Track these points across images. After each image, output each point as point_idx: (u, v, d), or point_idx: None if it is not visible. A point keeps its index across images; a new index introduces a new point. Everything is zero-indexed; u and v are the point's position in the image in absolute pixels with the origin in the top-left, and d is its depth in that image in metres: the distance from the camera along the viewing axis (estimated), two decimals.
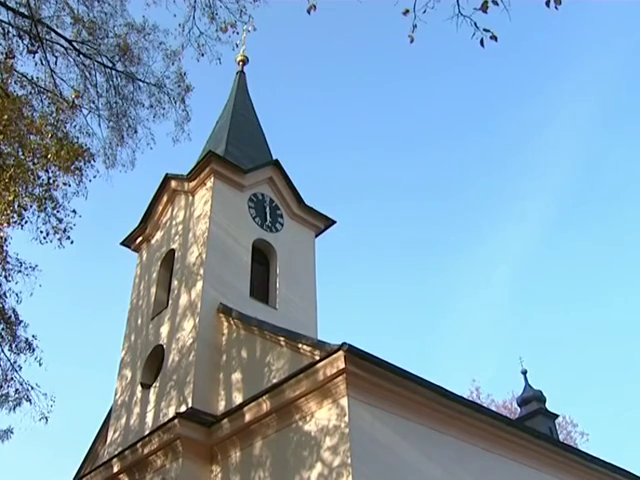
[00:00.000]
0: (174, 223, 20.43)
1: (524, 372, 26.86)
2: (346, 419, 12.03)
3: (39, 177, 13.61)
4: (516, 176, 68.44)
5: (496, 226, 67.39)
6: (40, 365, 15.78)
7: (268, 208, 20.35)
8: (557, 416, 26.56)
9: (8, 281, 15.46)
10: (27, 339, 16.04)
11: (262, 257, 19.67)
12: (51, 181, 13.81)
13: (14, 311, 15.87)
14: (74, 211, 14.46)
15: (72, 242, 14.52)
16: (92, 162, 14.50)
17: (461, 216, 69.30)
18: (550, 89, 66.38)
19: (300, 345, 13.90)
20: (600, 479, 16.94)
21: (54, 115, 14.03)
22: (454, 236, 68.42)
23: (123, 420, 17.97)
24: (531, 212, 63.61)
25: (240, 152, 21.89)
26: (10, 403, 16.07)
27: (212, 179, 19.49)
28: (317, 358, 12.83)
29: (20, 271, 15.97)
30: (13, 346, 15.91)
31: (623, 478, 17.47)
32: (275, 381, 13.97)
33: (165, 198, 21.13)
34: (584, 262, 65.78)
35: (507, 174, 69.43)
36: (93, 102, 15.50)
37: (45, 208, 14.03)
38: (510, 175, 69.73)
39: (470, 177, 69.85)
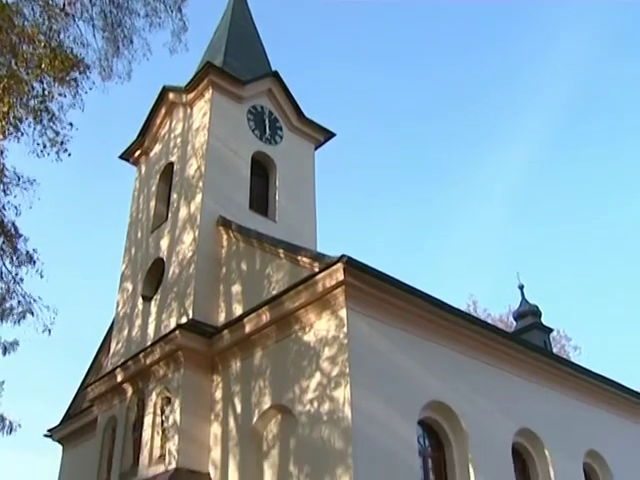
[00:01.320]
0: (172, 136, 20.21)
1: (521, 287, 27.12)
2: (345, 330, 12.22)
3: (33, 88, 13.31)
4: (518, 93, 67.44)
5: (496, 144, 66.83)
6: (41, 277, 15.83)
7: (267, 120, 20.07)
8: (552, 330, 27.00)
9: (6, 194, 15.33)
10: (28, 252, 16.05)
11: (261, 170, 19.52)
12: (46, 92, 13.50)
13: (13, 224, 15.83)
14: (71, 124, 14.19)
15: (70, 155, 14.30)
16: (87, 73, 14.11)
17: (462, 134, 68.73)
18: (555, 4, 64.57)
19: (299, 257, 13.96)
20: (591, 389, 17.38)
21: (47, 24, 13.61)
22: (454, 154, 68.01)
23: (125, 332, 18.24)
24: (532, 129, 62.94)
25: (239, 63, 21.44)
26: (14, 316, 16.21)
27: (210, 91, 19.16)
28: (316, 270, 12.92)
29: (18, 184, 15.80)
30: (14, 259, 15.95)
31: (612, 388, 17.97)
32: (275, 293, 14.11)
33: (163, 111, 20.83)
34: (583, 180, 65.70)
35: (509, 92, 68.30)
36: (87, 11, 15.02)
37: (41, 120, 13.76)
38: (512, 92, 68.51)
39: (472, 95, 68.86)
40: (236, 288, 15.81)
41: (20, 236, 15.96)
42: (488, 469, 13.48)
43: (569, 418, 16.33)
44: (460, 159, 68.20)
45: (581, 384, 17.11)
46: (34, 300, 16.07)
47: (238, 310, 15.23)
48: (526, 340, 18.60)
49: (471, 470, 13.25)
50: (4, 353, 16.83)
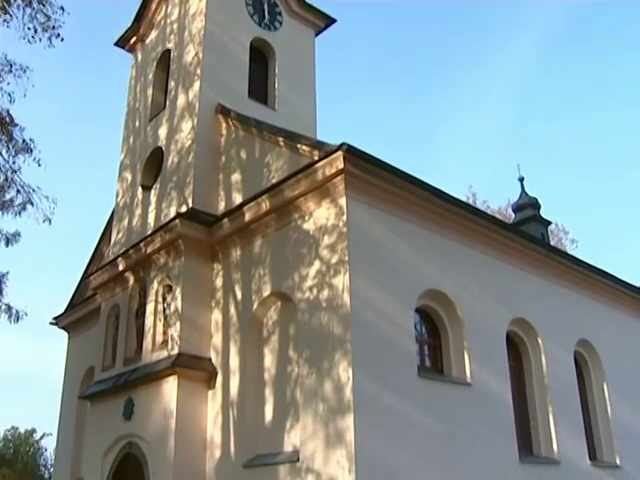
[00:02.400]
0: (169, 22, 19.55)
1: (521, 179, 27.03)
2: (344, 218, 12.20)
3: None
4: None
5: (500, 39, 65.62)
6: (39, 166, 15.67)
7: (266, 5, 19.36)
8: (550, 223, 27.15)
9: None
10: (24, 140, 15.85)
11: (260, 57, 19.00)
12: None
13: (8, 112, 15.56)
14: (62, 7, 13.75)
15: (62, 40, 13.95)
16: None
17: (466, 28, 67.06)
18: None
19: (299, 145, 13.78)
20: (585, 281, 17.72)
21: None
22: (458, 49, 66.66)
23: (126, 221, 18.27)
24: (536, 26, 61.49)
25: None
26: (15, 208, 16.19)
27: None
28: (316, 158, 12.78)
29: (11, 71, 15.45)
30: (10, 147, 15.76)
31: (606, 281, 18.37)
32: (274, 181, 14.03)
33: None
34: (584, 75, 64.64)
35: None
36: None
37: (30, 2, 13.34)
38: None
39: None
40: (235, 177, 15.72)
41: (16, 125, 15.73)
42: (482, 356, 13.82)
43: (563, 308, 16.65)
44: (464, 53, 66.87)
45: (576, 276, 17.37)
46: (33, 190, 15.97)
47: (238, 199, 15.20)
48: (524, 231, 18.70)
49: (466, 357, 13.58)
50: (7, 245, 16.91)
